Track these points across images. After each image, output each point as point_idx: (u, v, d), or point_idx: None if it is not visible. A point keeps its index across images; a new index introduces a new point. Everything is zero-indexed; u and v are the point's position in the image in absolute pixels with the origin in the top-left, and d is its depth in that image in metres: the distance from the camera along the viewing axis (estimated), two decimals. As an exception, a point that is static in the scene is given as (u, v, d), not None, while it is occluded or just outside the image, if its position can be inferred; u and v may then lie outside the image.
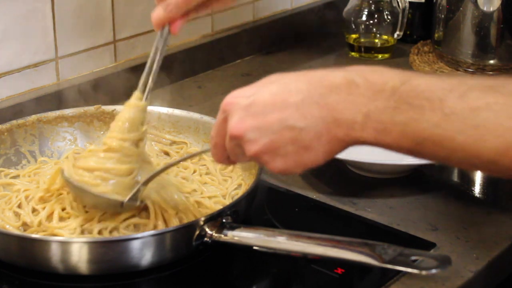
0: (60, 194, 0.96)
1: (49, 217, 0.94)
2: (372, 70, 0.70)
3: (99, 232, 0.91)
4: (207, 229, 0.89)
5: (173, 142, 1.15)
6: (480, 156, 0.64)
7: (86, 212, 0.93)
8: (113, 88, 1.32)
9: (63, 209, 0.94)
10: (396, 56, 1.59)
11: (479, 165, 0.66)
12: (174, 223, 0.92)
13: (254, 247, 0.88)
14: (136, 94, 0.94)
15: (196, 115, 1.15)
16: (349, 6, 1.58)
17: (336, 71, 0.71)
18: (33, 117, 1.12)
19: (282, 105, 0.72)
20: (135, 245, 0.86)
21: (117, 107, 1.15)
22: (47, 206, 0.94)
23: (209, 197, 1.02)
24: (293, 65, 1.54)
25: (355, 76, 0.69)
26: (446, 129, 0.65)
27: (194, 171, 1.08)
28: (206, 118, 1.14)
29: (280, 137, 0.72)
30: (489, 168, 0.65)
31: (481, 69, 1.45)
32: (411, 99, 0.66)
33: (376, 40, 1.58)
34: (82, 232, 0.91)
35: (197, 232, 0.89)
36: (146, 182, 0.91)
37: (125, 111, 0.94)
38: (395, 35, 1.56)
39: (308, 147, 0.72)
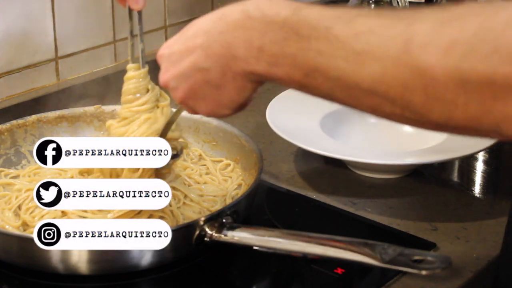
0: None
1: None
2: (268, 1, 0.69)
3: None
4: (207, 229, 0.89)
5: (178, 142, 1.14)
6: (359, 84, 0.62)
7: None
8: (113, 88, 1.32)
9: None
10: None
11: (360, 98, 0.63)
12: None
13: (254, 247, 0.88)
14: (132, 66, 0.95)
15: (196, 115, 1.15)
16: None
17: (237, 5, 0.71)
18: (33, 117, 1.12)
19: (192, 48, 0.74)
20: (135, 245, 0.86)
21: (117, 107, 1.15)
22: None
23: (209, 197, 1.03)
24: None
25: (252, 9, 0.69)
26: (331, 56, 0.63)
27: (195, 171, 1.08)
28: (206, 118, 1.14)
29: (194, 81, 0.75)
30: (370, 102, 0.63)
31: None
32: (300, 29, 0.65)
33: (376, 40, 1.58)
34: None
35: (197, 232, 0.89)
36: (168, 124, 0.93)
37: (129, 83, 0.95)
38: (395, 35, 1.56)
39: (218, 85, 0.73)
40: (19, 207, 0.98)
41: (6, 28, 1.22)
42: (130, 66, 0.95)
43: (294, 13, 0.66)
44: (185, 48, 0.75)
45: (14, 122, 1.11)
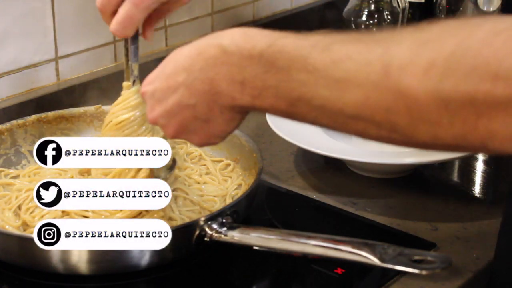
0: None
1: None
2: (243, 34, 0.69)
3: None
4: (207, 229, 0.89)
5: (173, 142, 1.14)
6: (343, 111, 0.62)
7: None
8: (113, 88, 1.32)
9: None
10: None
11: (345, 123, 0.63)
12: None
13: (254, 247, 0.88)
14: (129, 93, 0.98)
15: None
16: (349, 6, 1.58)
17: (213, 39, 0.72)
18: (33, 117, 1.12)
19: (175, 86, 0.74)
20: (135, 245, 0.86)
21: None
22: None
23: (209, 197, 1.03)
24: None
25: (228, 44, 0.69)
26: (312, 85, 0.63)
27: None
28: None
29: (183, 118, 0.75)
30: (356, 127, 0.63)
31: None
32: (278, 61, 0.65)
33: (376, 40, 1.57)
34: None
35: (197, 232, 0.89)
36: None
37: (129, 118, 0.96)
38: (395, 35, 1.56)
39: (207, 120, 0.74)
40: (19, 207, 0.98)
41: (6, 28, 1.22)
42: (126, 94, 0.97)
43: (270, 45, 0.66)
44: (167, 86, 0.75)
45: (14, 122, 1.11)
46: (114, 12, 0.90)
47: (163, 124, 0.78)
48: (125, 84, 0.98)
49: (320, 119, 0.65)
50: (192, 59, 0.73)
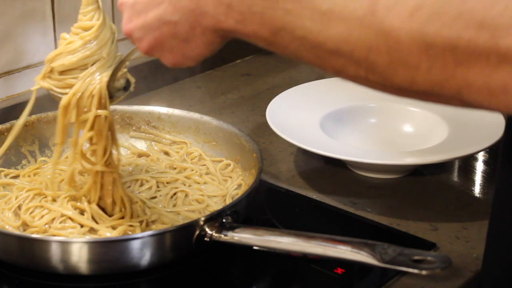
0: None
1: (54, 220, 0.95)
2: None
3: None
4: (207, 229, 0.89)
5: (173, 142, 1.15)
6: (324, 45, 0.62)
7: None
8: (113, 88, 1.32)
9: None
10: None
11: (325, 58, 0.63)
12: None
13: (254, 247, 0.88)
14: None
15: (196, 115, 1.15)
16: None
17: None
18: (33, 117, 1.12)
19: (159, 1, 0.74)
20: (135, 245, 0.86)
21: (117, 107, 1.15)
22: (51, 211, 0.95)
23: (209, 197, 1.03)
24: (293, 65, 1.54)
25: None
26: (297, 15, 0.63)
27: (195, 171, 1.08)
28: (206, 118, 1.14)
29: (161, 33, 0.74)
30: (335, 63, 0.62)
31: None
32: None
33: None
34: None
35: (197, 232, 0.89)
36: (121, 63, 0.92)
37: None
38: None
39: (186, 39, 0.73)
40: (19, 207, 0.98)
41: (6, 28, 1.22)
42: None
43: None
44: None
45: (14, 122, 1.11)
46: None
47: (138, 37, 0.77)
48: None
49: (300, 51, 0.65)
50: None
